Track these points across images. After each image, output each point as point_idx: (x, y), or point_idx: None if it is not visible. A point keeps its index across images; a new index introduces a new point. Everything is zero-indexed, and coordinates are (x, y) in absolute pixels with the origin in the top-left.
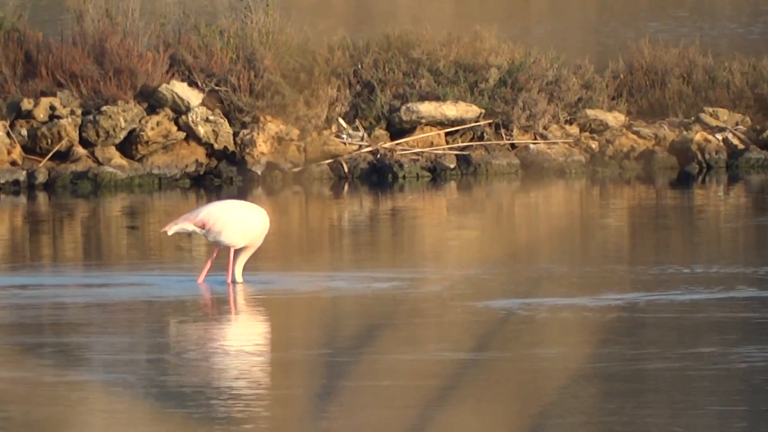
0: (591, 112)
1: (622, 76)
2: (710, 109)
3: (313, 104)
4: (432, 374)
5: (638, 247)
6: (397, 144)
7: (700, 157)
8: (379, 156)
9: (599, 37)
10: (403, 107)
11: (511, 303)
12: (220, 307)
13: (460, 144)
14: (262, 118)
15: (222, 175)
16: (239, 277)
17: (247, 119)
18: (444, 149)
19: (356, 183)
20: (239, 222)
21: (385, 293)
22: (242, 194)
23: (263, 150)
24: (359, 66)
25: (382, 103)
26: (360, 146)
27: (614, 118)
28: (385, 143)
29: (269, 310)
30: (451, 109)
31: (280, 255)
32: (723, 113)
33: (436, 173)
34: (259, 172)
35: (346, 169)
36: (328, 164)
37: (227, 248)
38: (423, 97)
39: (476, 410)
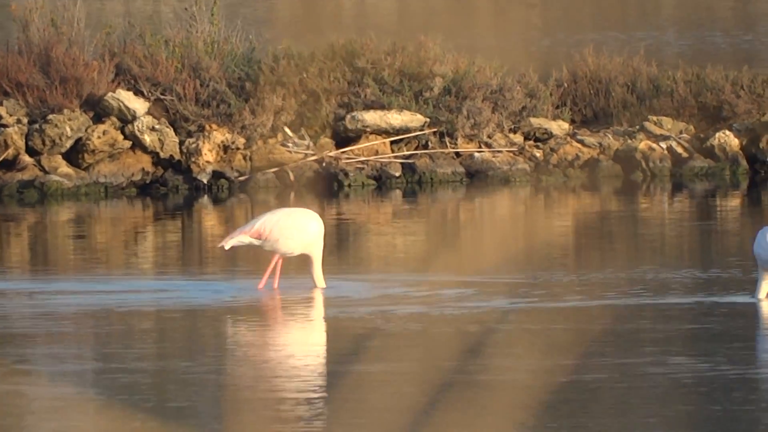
0: (535, 121)
1: (566, 84)
2: (654, 118)
3: (258, 113)
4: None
5: (580, 254)
6: (343, 152)
7: (644, 165)
8: (324, 164)
9: (543, 47)
10: (348, 116)
11: (456, 311)
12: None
13: (405, 152)
14: (207, 127)
15: (168, 183)
16: (322, 283)
17: (192, 128)
18: (389, 158)
19: (302, 191)
20: (294, 229)
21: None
22: (188, 203)
23: (209, 158)
24: (304, 75)
25: (327, 111)
26: (305, 155)
27: (558, 127)
28: (330, 152)
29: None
30: (395, 118)
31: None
32: (667, 122)
33: (381, 181)
34: (205, 181)
35: (291, 178)
36: (274, 173)
37: (285, 256)
38: (368, 106)
39: (418, 422)
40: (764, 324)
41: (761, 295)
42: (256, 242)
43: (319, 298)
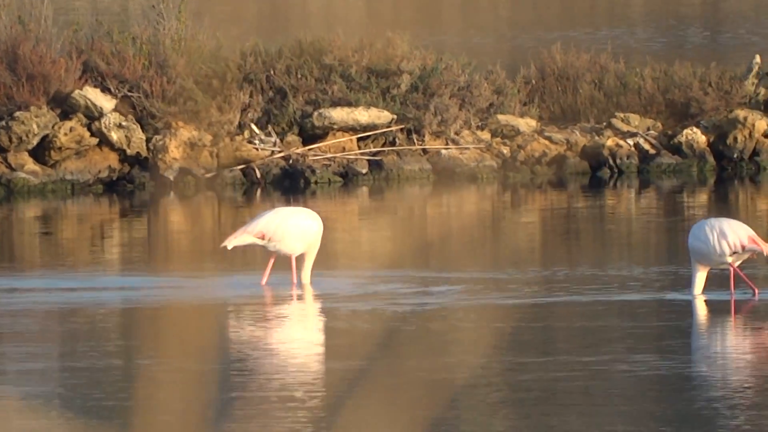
0: (502, 118)
1: (533, 81)
2: (622, 115)
3: (225, 110)
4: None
5: (544, 251)
6: (310, 149)
7: (611, 162)
8: (291, 161)
9: (511, 44)
10: (316, 113)
11: (418, 306)
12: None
13: (372, 149)
14: (174, 124)
15: (135, 180)
16: (308, 279)
17: (159, 125)
18: (356, 155)
19: (269, 189)
20: (297, 228)
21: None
22: (154, 200)
23: (176, 155)
24: (272, 72)
25: (294, 108)
26: (272, 152)
27: (526, 124)
28: (297, 149)
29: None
30: (363, 115)
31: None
32: (634, 118)
33: (348, 178)
34: (172, 178)
35: (258, 175)
36: (241, 170)
37: (287, 255)
38: (335, 103)
39: (376, 416)
40: (723, 321)
41: (697, 291)
42: (259, 242)
43: (306, 293)
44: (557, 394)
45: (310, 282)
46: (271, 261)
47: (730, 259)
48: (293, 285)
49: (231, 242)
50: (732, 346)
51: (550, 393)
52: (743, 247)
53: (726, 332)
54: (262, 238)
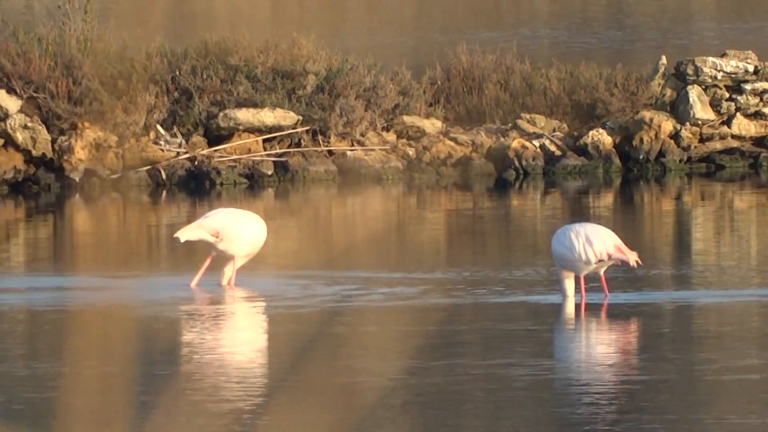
0: (408, 119)
1: (439, 82)
2: (527, 116)
3: (131, 111)
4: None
5: (450, 253)
6: (215, 151)
7: (517, 163)
8: (196, 163)
9: (416, 45)
10: (221, 114)
11: (317, 308)
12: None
13: (278, 151)
14: (80, 125)
15: (40, 182)
16: (231, 281)
17: (65, 126)
18: (262, 156)
19: (174, 190)
20: (250, 233)
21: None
22: (60, 202)
23: (81, 157)
24: (177, 73)
25: (200, 109)
26: (178, 153)
27: (431, 125)
28: (202, 150)
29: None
30: (268, 116)
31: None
32: (540, 119)
33: (253, 180)
34: (77, 179)
35: (164, 176)
36: (147, 171)
37: (230, 257)
38: (241, 104)
39: (290, 420)
40: (613, 323)
41: (569, 292)
42: (210, 239)
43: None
44: (458, 399)
45: (226, 281)
46: (207, 261)
47: (594, 267)
48: (230, 287)
49: (184, 235)
50: (604, 349)
51: (451, 397)
52: (609, 256)
53: (603, 335)
54: (216, 236)
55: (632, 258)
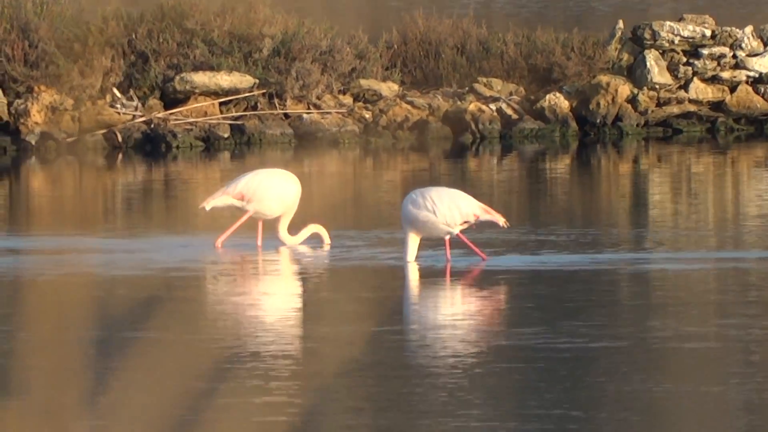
0: (365, 82)
1: (396, 46)
2: (484, 80)
3: (87, 74)
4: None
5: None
6: (171, 114)
7: (473, 127)
8: (153, 126)
9: (373, 10)
10: (177, 77)
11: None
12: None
13: (234, 114)
14: (36, 88)
15: None
16: (290, 241)
17: (21, 89)
18: (218, 119)
19: (130, 153)
20: (276, 190)
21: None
22: (16, 164)
23: (37, 120)
24: (134, 36)
25: (156, 73)
26: (134, 116)
27: (388, 88)
28: (159, 113)
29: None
30: (225, 80)
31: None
32: (497, 83)
33: (209, 143)
34: (33, 142)
35: (120, 139)
36: (103, 134)
37: (264, 217)
38: (197, 68)
39: (140, 390)
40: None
41: (410, 257)
42: (237, 203)
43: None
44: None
45: (288, 240)
46: (260, 224)
47: (458, 229)
48: (258, 248)
49: (209, 203)
50: (454, 314)
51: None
52: (477, 218)
53: (449, 300)
54: (241, 199)
55: (501, 219)
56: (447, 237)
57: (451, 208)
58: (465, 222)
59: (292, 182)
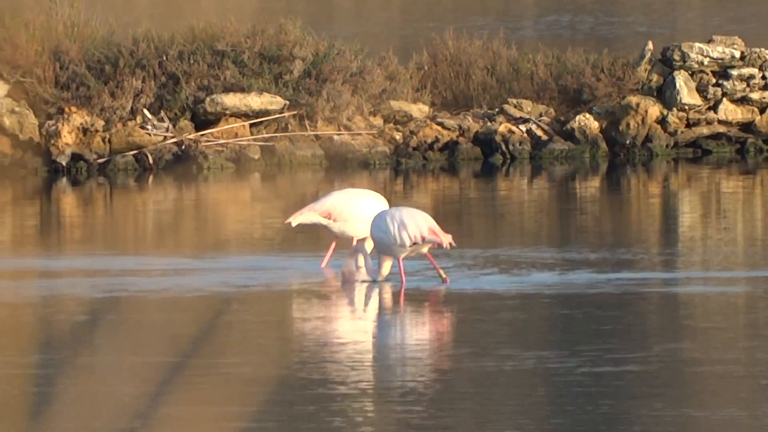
0: (395, 104)
1: (426, 67)
2: (514, 101)
3: (118, 95)
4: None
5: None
6: (202, 135)
7: (503, 148)
8: (183, 147)
9: (404, 32)
10: (208, 99)
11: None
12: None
13: (265, 135)
14: (67, 110)
15: (27, 166)
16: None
17: (52, 110)
18: (248, 140)
19: (161, 174)
20: (364, 210)
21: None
22: (47, 186)
23: (68, 141)
24: (164, 58)
25: (186, 94)
26: (165, 137)
27: (418, 110)
28: (189, 134)
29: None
30: (255, 101)
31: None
32: (527, 104)
33: (240, 164)
34: (64, 163)
35: (150, 161)
36: (133, 155)
37: (350, 237)
38: (228, 89)
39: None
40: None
41: (384, 273)
42: (323, 221)
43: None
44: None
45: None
46: (333, 244)
47: (409, 250)
48: (323, 267)
49: (296, 219)
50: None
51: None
52: (423, 238)
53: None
54: (328, 217)
55: (446, 240)
56: (400, 257)
57: (399, 229)
58: (414, 244)
59: (381, 203)
